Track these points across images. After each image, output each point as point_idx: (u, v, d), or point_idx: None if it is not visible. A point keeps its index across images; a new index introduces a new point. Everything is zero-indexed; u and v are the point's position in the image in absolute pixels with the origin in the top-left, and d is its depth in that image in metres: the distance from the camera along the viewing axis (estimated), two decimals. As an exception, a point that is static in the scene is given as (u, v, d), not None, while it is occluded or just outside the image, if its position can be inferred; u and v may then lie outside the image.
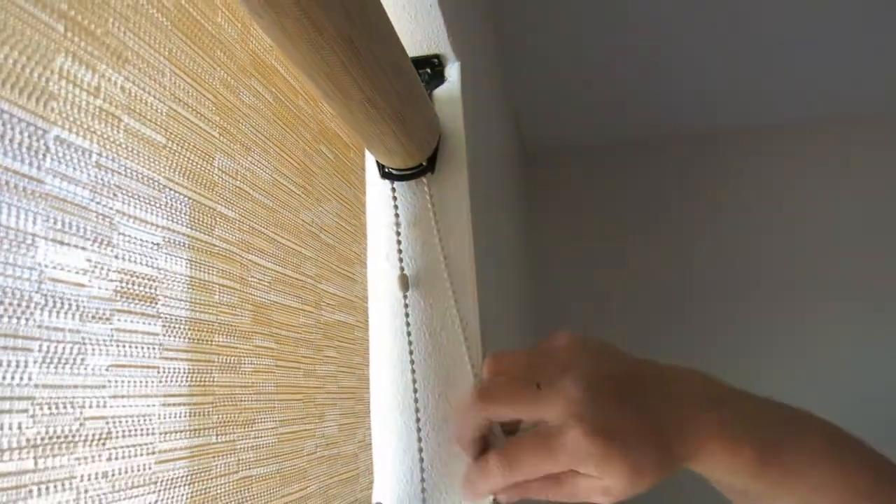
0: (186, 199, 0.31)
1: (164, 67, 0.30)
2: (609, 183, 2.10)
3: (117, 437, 0.25)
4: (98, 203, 0.25)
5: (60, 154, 0.24)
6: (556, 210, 2.11)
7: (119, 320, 0.26)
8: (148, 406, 0.27)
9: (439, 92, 0.60)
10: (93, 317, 0.25)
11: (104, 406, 0.25)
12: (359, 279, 0.54)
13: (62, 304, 0.23)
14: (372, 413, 0.55)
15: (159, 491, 0.27)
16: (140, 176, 0.28)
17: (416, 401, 0.54)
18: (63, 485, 0.22)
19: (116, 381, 0.25)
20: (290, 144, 0.42)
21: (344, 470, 0.47)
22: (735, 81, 1.71)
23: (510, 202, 1.44)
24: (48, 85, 0.23)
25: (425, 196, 0.58)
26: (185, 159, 0.31)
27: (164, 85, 0.30)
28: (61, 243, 0.23)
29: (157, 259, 0.29)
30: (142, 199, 0.28)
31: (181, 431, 0.29)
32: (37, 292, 0.22)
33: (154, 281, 0.28)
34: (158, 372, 0.28)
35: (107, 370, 0.25)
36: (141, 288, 0.27)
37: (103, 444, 0.24)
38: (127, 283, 0.26)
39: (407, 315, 0.56)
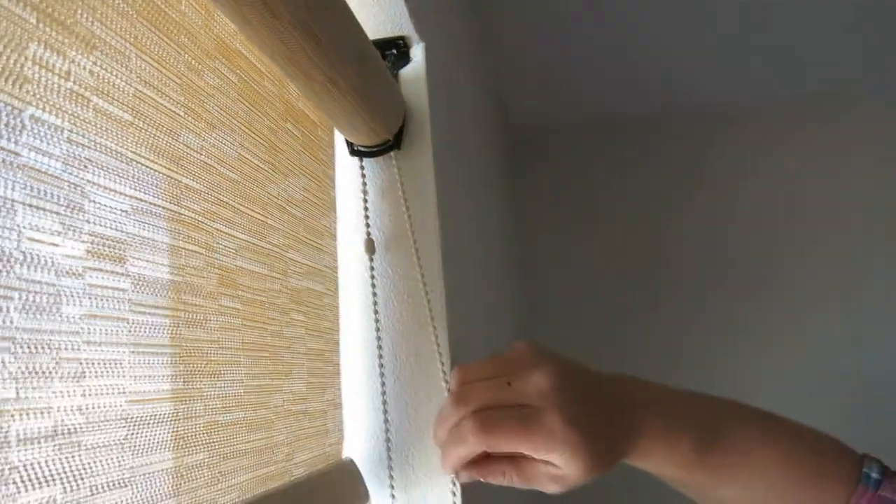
0: (153, 171, 0.35)
1: (129, 52, 0.33)
2: (594, 160, 2.13)
3: (90, 378, 0.29)
4: (70, 174, 0.29)
5: (35, 130, 0.27)
6: (542, 187, 2.14)
7: (91, 277, 0.30)
8: (118, 353, 0.31)
9: (405, 72, 0.64)
10: (67, 272, 0.28)
11: (78, 350, 0.28)
12: (328, 250, 0.57)
13: (39, 260, 0.27)
14: (342, 374, 0.59)
15: (129, 427, 0.31)
16: (108, 150, 0.31)
17: (381, 365, 0.58)
18: (41, 414, 0.26)
19: (89, 330, 0.29)
20: (255, 122, 0.46)
21: (312, 425, 0.51)
22: (725, 60, 1.73)
23: (492, 178, 1.47)
24: (23, 70, 0.27)
25: (393, 171, 0.62)
26: (151, 136, 0.34)
27: (130, 68, 0.33)
28: (37, 208, 0.27)
29: (125, 224, 0.32)
30: (110, 170, 0.31)
31: (149, 377, 0.33)
32: (16, 249, 0.26)
33: (123, 244, 0.32)
34: (128, 323, 0.32)
35: (80, 319, 0.29)
36: (110, 249, 0.31)
37: (77, 382, 0.28)
38: (97, 245, 0.30)
39: (373, 279, 0.60)
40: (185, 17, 0.38)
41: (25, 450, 0.25)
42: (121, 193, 0.32)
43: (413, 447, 0.59)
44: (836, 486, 0.56)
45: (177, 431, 0.34)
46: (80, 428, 0.28)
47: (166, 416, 0.34)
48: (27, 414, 0.25)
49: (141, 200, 0.33)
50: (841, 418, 1.80)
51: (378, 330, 0.59)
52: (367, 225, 0.61)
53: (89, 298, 0.29)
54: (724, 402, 0.59)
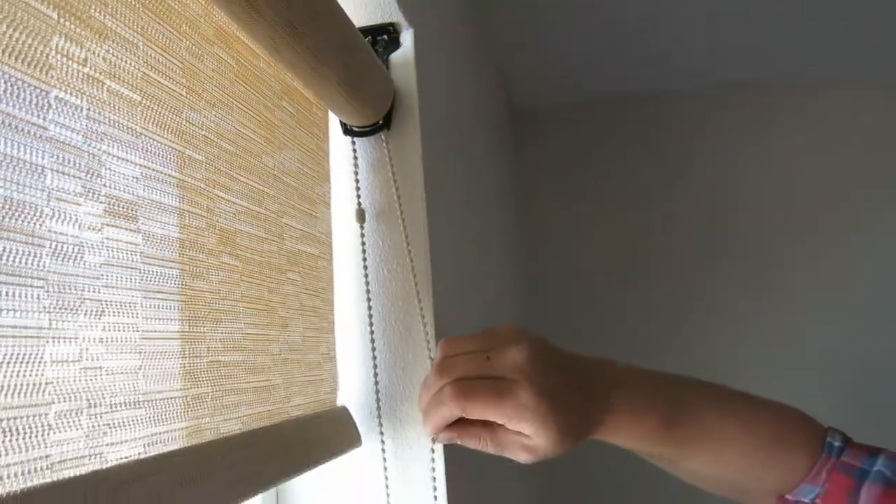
0: (160, 143, 0.40)
1: (137, 41, 0.38)
2: (595, 139, 2.16)
3: (109, 315, 0.35)
4: (89, 145, 0.34)
5: (59, 109, 0.33)
6: (543, 165, 2.17)
7: (108, 232, 0.35)
8: (132, 296, 0.37)
9: (395, 56, 0.68)
10: (88, 227, 0.34)
11: (98, 292, 0.34)
12: (321, 218, 0.63)
13: (64, 216, 0.32)
14: (336, 331, 0.65)
15: (142, 359, 0.37)
16: (121, 126, 0.37)
17: (371, 324, 0.64)
18: (69, 341, 0.32)
19: (107, 276, 0.35)
20: (252, 101, 0.51)
21: (308, 373, 0.57)
22: (726, 38, 1.75)
23: (492, 156, 1.51)
24: (48, 59, 0.32)
25: (383, 149, 0.67)
26: (158, 113, 0.40)
27: (138, 55, 0.38)
28: (62, 173, 0.33)
29: (136, 189, 0.38)
30: (123, 143, 0.37)
31: (159, 319, 0.38)
32: (46, 206, 0.31)
33: (134, 205, 0.37)
34: (140, 272, 0.37)
35: (99, 266, 0.34)
36: (124, 210, 0.37)
37: (98, 318, 0.34)
38: (113, 205, 0.36)
39: (363, 246, 0.65)
40: (185, 6, 0.43)
41: (57, 369, 0.31)
42: (132, 162, 0.38)
43: (400, 399, 0.65)
44: (801, 454, 0.58)
45: (184, 367, 0.40)
46: (101, 356, 0.34)
47: (175, 352, 0.40)
48: (58, 340, 0.31)
49: (149, 168, 0.39)
50: (839, 405, 1.84)
51: (368, 293, 0.64)
52: (359, 196, 0.66)
53: (107, 250, 0.35)
54: (689, 379, 0.62)
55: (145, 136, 0.39)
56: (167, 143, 0.41)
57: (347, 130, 0.66)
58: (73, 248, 0.33)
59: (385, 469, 0.63)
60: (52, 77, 0.32)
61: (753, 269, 2.01)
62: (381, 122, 0.66)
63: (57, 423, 0.30)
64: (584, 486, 1.94)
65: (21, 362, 0.29)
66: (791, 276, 1.99)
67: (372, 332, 0.64)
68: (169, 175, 0.41)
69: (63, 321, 0.32)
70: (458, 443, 0.53)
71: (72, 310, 0.32)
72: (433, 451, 0.62)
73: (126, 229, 0.37)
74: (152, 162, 0.39)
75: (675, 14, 1.61)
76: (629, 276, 2.08)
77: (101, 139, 0.35)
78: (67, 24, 0.33)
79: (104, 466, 0.32)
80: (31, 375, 0.29)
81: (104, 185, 0.35)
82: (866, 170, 1.99)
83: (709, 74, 2.01)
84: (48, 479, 0.29)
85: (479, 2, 1.44)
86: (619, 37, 1.71)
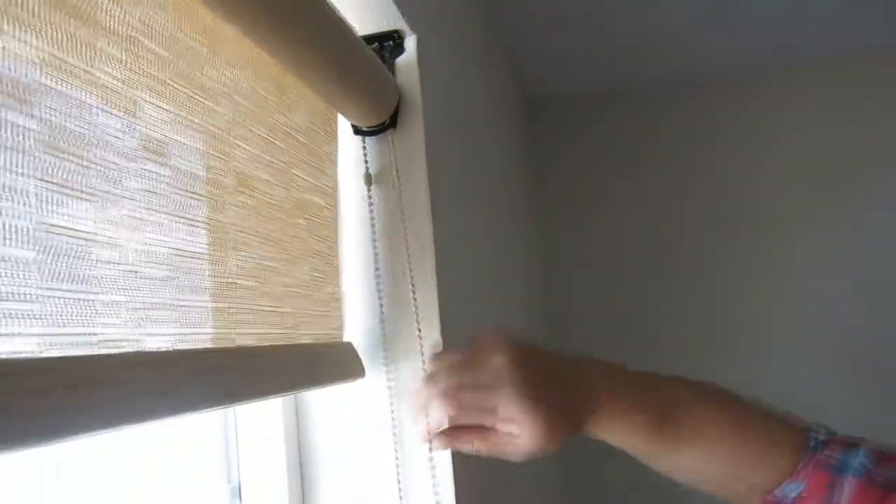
0: (187, 94, 0.47)
1: (167, 5, 0.46)
2: (611, 127, 2.20)
3: (144, 231, 0.42)
4: (127, 91, 0.42)
5: (105, 58, 0.40)
6: (558, 153, 2.22)
7: (143, 163, 0.43)
8: (164, 218, 0.44)
9: (400, 61, 0.74)
10: (127, 157, 0.41)
11: (136, 211, 0.41)
12: (329, 173, 0.70)
13: (109, 146, 0.40)
14: (343, 274, 0.72)
15: (172, 271, 0.44)
16: (152, 76, 0.44)
17: (377, 274, 0.71)
18: (112, 247, 0.39)
19: (143, 199, 0.42)
20: (265, 63, 0.58)
21: (316, 309, 0.64)
22: (739, 25, 1.77)
23: (506, 147, 1.58)
24: (97, 16, 0.39)
25: (389, 146, 0.73)
26: (185, 69, 0.47)
27: (167, 17, 0.46)
28: (108, 113, 0.40)
29: (166, 130, 0.45)
30: (156, 92, 0.44)
31: (186, 240, 0.46)
32: (93, 136, 0.39)
33: (165, 144, 0.45)
34: (170, 199, 0.45)
35: (136, 191, 0.42)
36: (156, 146, 0.44)
37: (136, 231, 0.41)
38: (148, 142, 0.43)
39: (371, 206, 0.72)
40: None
41: (102, 268, 0.38)
42: (163, 108, 0.45)
43: (399, 338, 0.72)
44: (786, 454, 0.58)
45: (208, 283, 0.48)
46: (139, 262, 0.41)
47: (199, 270, 0.47)
48: (103, 245, 0.39)
49: (176, 114, 0.46)
50: (858, 386, 1.88)
51: (374, 242, 0.71)
52: (366, 163, 0.73)
53: (143, 178, 0.42)
54: (679, 379, 0.64)
55: (174, 87, 0.46)
56: (193, 94, 0.48)
57: (358, 131, 0.72)
58: (116, 174, 0.40)
59: (390, 399, 0.70)
60: (95, 31, 0.39)
61: (769, 253, 2.05)
62: (387, 122, 0.72)
63: (102, 310, 0.38)
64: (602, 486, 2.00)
65: (74, 257, 0.36)
66: (808, 259, 2.03)
67: (378, 277, 0.71)
68: (193, 121, 0.48)
69: (107, 231, 0.39)
70: (452, 449, 0.58)
71: (114, 223, 0.40)
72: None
73: (158, 163, 0.44)
74: (180, 109, 0.46)
75: (689, 2, 1.63)
76: (645, 263, 2.12)
77: (137, 86, 0.43)
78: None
79: (141, 349, 0.40)
80: (82, 268, 0.37)
81: (141, 125, 0.43)
82: (882, 145, 2.00)
83: (722, 63, 2.03)
84: (98, 352, 0.37)
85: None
86: (631, 27, 1.74)
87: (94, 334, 0.37)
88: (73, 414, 0.32)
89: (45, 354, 0.33)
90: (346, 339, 0.71)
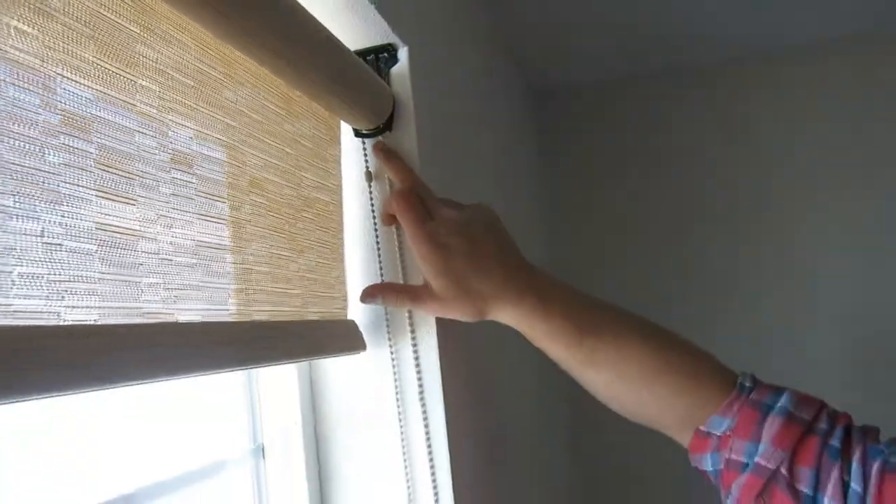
0: (206, 114, 0.58)
1: (190, 42, 0.56)
2: (618, 116, 2.27)
3: (176, 228, 0.53)
4: (160, 114, 0.52)
5: (143, 95, 0.50)
6: (566, 143, 2.29)
7: (174, 173, 0.53)
8: (192, 216, 0.54)
9: (394, 70, 0.83)
10: (160, 168, 0.52)
11: (168, 213, 0.52)
12: (333, 173, 0.80)
13: (146, 161, 0.50)
14: (347, 260, 0.82)
15: (199, 258, 0.55)
16: (180, 102, 0.54)
17: (379, 263, 0.81)
18: (151, 241, 0.50)
19: (174, 203, 0.53)
20: (274, 80, 0.68)
21: (322, 291, 0.75)
22: (743, 9, 1.82)
23: (513, 142, 1.67)
24: (134, 58, 0.50)
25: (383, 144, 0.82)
26: (206, 93, 0.57)
27: (190, 54, 0.56)
28: (146, 134, 0.50)
29: (191, 145, 0.55)
30: (180, 113, 0.54)
31: (211, 234, 0.56)
32: (136, 154, 0.49)
33: (190, 156, 0.55)
34: (194, 202, 0.55)
35: (168, 196, 0.52)
36: (184, 157, 0.54)
37: (169, 228, 0.52)
38: (176, 155, 0.54)
39: (371, 199, 0.82)
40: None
41: (143, 257, 0.49)
42: (189, 127, 0.55)
43: (399, 319, 0.82)
44: (710, 389, 0.63)
45: (227, 269, 0.58)
46: (172, 253, 0.52)
47: (221, 258, 0.57)
48: (144, 239, 0.49)
49: (200, 132, 0.57)
50: (858, 360, 1.93)
51: (377, 233, 0.81)
52: (366, 162, 0.83)
53: (174, 185, 0.53)
54: (613, 304, 0.69)
55: (197, 109, 0.56)
56: (212, 113, 0.58)
57: (358, 133, 0.82)
58: (152, 182, 0.51)
59: (392, 368, 0.80)
60: (137, 71, 0.50)
61: (777, 237, 2.10)
62: (383, 125, 0.81)
63: (146, 290, 0.48)
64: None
65: (123, 249, 0.47)
66: (807, 235, 2.08)
67: (380, 265, 0.81)
68: (213, 136, 0.58)
69: (147, 227, 0.50)
70: (381, 302, 0.70)
71: (152, 221, 0.50)
72: (416, 352, 0.79)
73: (186, 172, 0.54)
74: (201, 127, 0.57)
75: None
76: (654, 255, 2.19)
77: (168, 111, 0.53)
78: (146, 33, 0.51)
79: (175, 321, 0.51)
80: (128, 258, 0.47)
81: (169, 141, 0.53)
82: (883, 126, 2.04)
83: (724, 51, 2.08)
84: (143, 321, 0.47)
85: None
86: (637, 16, 1.80)
87: (140, 308, 0.48)
88: (126, 366, 0.43)
89: (103, 322, 0.44)
90: (349, 317, 0.82)
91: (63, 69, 0.43)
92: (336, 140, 0.81)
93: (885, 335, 1.99)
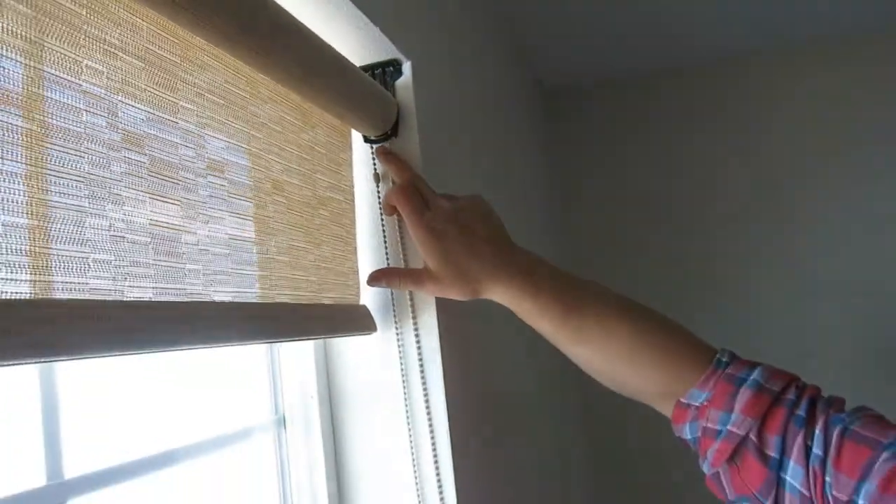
0: (235, 128, 0.68)
1: (225, 69, 0.66)
2: (628, 114, 2.34)
3: (211, 224, 0.63)
4: (199, 129, 0.63)
5: (183, 114, 0.61)
6: (576, 140, 2.37)
7: (209, 177, 0.64)
8: (224, 214, 0.65)
9: (399, 82, 0.94)
10: (196, 174, 0.62)
11: (207, 211, 0.62)
12: (346, 175, 0.91)
13: (185, 167, 0.61)
14: (358, 252, 0.93)
15: (230, 249, 0.65)
16: (212, 118, 0.65)
17: (386, 254, 0.92)
18: (192, 234, 0.60)
19: (212, 202, 0.63)
20: (291, 96, 0.78)
21: (337, 279, 0.85)
22: (747, 8, 1.88)
23: (523, 142, 1.76)
24: (177, 85, 0.60)
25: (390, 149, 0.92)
26: (232, 110, 0.68)
27: (220, 77, 0.66)
28: (187, 146, 0.61)
29: (223, 154, 0.66)
30: (214, 128, 0.65)
31: (239, 228, 0.67)
32: (178, 162, 0.60)
33: (222, 163, 0.66)
34: (226, 202, 0.66)
35: (205, 196, 0.63)
36: (217, 164, 0.65)
37: (205, 224, 0.62)
38: (211, 163, 0.64)
39: (379, 199, 0.92)
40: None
41: (185, 247, 0.59)
42: (221, 139, 0.66)
43: (403, 303, 0.92)
44: (688, 364, 0.66)
45: (253, 259, 0.69)
46: (208, 244, 0.62)
47: (248, 249, 0.68)
48: (185, 233, 0.60)
49: (230, 143, 0.67)
50: (859, 337, 1.99)
51: (383, 227, 0.92)
52: (374, 165, 0.93)
53: (210, 188, 0.64)
54: (596, 283, 0.74)
55: (227, 123, 0.67)
56: (239, 127, 0.69)
57: (367, 139, 0.92)
58: (192, 185, 0.61)
59: (398, 349, 0.90)
60: (179, 94, 0.60)
61: (781, 233, 2.16)
62: (389, 132, 0.91)
63: (188, 274, 0.59)
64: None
65: (170, 241, 0.57)
66: (813, 230, 2.13)
67: (387, 254, 0.92)
68: (241, 146, 0.69)
69: (188, 223, 0.60)
70: (385, 284, 0.79)
71: (192, 218, 0.61)
72: (417, 335, 0.89)
73: (218, 176, 0.65)
74: (231, 139, 0.68)
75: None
76: (661, 253, 2.25)
77: (205, 126, 0.64)
78: (185, 66, 0.61)
79: (212, 300, 0.61)
80: (174, 248, 0.58)
81: (206, 151, 0.64)
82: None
83: (729, 48, 2.14)
84: (186, 300, 0.58)
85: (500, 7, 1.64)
86: (644, 15, 1.87)
87: (184, 289, 0.58)
88: (174, 335, 0.53)
89: (156, 300, 0.54)
90: (361, 302, 0.92)
91: (122, 96, 0.54)
92: (347, 146, 0.92)
93: (891, 325, 2.04)
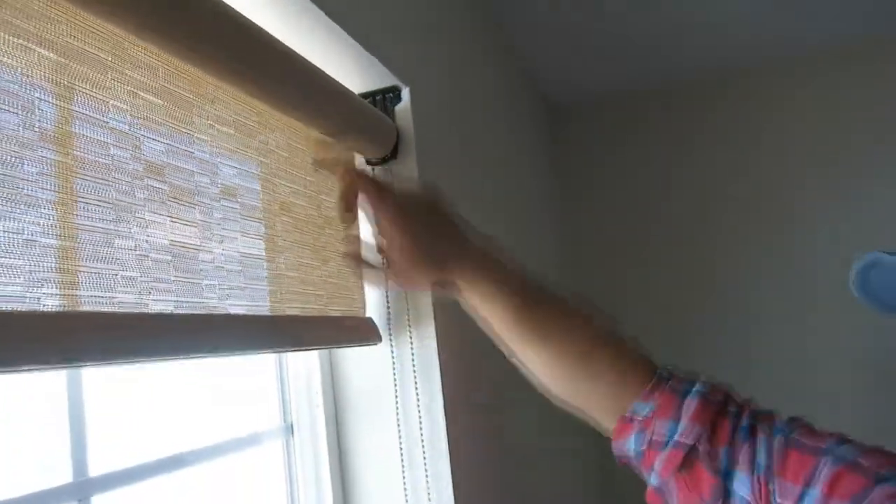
0: (246, 155, 0.74)
1: (234, 105, 0.73)
2: (634, 128, 2.39)
3: (226, 242, 0.69)
4: (212, 158, 0.69)
5: (198, 145, 0.67)
6: (580, 156, 2.41)
7: (223, 202, 0.70)
8: (236, 233, 0.71)
9: (398, 107, 1.00)
10: (212, 198, 0.68)
11: (224, 230, 0.68)
12: (349, 195, 0.96)
13: (203, 192, 0.67)
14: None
15: (243, 266, 0.71)
16: (226, 147, 0.71)
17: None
18: (207, 252, 0.66)
19: (226, 224, 0.69)
20: (297, 126, 0.85)
21: (342, 292, 0.91)
22: (749, 23, 1.92)
23: (525, 156, 1.81)
24: (194, 120, 0.66)
25: (391, 171, 0.99)
26: (246, 140, 0.74)
27: (231, 110, 0.73)
28: (203, 174, 0.67)
29: (235, 180, 0.72)
30: (226, 157, 0.71)
31: (251, 245, 0.73)
32: (195, 188, 0.66)
33: (234, 189, 0.72)
34: (239, 223, 0.72)
35: (219, 220, 0.69)
36: (230, 190, 0.71)
37: (220, 243, 0.68)
38: (225, 189, 0.70)
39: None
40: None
41: (203, 265, 0.65)
42: (234, 167, 0.72)
43: (401, 316, 0.97)
44: (636, 372, 0.66)
45: (264, 274, 0.75)
46: (223, 262, 0.68)
47: (260, 266, 0.74)
48: (202, 251, 0.66)
49: (241, 169, 0.73)
50: (862, 339, 2.00)
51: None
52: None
53: (223, 211, 0.70)
54: (553, 291, 0.73)
55: (238, 151, 0.73)
56: (253, 156, 0.75)
57: (368, 161, 0.98)
58: (208, 209, 0.67)
59: (392, 360, 0.96)
60: (193, 127, 0.67)
61: (782, 242, 2.17)
62: (389, 155, 0.98)
63: (205, 289, 0.65)
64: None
65: (188, 259, 0.63)
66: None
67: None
68: (252, 172, 0.75)
69: (205, 243, 0.66)
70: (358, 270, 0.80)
71: (208, 238, 0.67)
72: (412, 347, 0.95)
73: (231, 200, 0.71)
74: (242, 166, 0.74)
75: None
76: (665, 256, 2.28)
77: (219, 156, 0.70)
78: (209, 105, 0.68)
79: (227, 313, 0.67)
80: (193, 265, 0.64)
81: (219, 179, 0.70)
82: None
83: (730, 62, 2.18)
84: (204, 312, 0.64)
85: (508, 10, 1.70)
86: (647, 32, 1.91)
87: (201, 302, 0.64)
88: (194, 343, 0.59)
89: (176, 312, 0.60)
90: (367, 315, 0.98)
91: (144, 130, 0.60)
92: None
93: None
